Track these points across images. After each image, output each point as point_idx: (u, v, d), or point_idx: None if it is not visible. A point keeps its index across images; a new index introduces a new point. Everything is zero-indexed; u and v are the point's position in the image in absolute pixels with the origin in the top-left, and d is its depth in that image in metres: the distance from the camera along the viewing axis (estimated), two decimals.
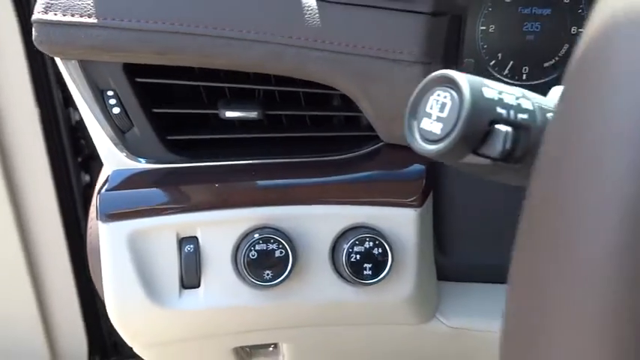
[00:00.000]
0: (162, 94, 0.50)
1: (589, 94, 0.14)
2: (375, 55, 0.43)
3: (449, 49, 0.64)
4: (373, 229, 0.46)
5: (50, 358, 0.95)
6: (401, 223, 0.47)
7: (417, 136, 0.24)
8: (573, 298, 0.15)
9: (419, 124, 0.23)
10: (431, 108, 0.23)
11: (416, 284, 0.48)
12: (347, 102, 0.48)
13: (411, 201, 0.48)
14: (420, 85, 0.24)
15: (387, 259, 0.45)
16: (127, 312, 0.45)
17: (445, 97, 0.22)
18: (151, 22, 0.41)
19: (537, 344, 0.16)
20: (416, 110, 0.24)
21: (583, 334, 0.14)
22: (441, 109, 0.22)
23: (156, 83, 0.48)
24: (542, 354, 0.16)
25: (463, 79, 0.22)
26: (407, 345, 0.55)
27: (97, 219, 0.45)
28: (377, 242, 0.45)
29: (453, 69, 0.62)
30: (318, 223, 0.47)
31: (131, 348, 0.51)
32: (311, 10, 0.43)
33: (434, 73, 0.23)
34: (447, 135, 0.22)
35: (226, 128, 0.52)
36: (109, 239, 0.44)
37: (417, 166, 0.49)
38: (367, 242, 0.45)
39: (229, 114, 0.48)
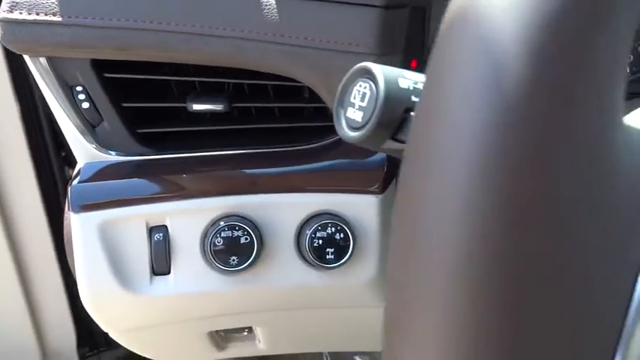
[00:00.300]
0: (132, 87, 0.51)
1: (432, 88, 0.16)
2: (333, 47, 0.45)
3: (412, 40, 0.65)
4: (336, 216, 0.48)
5: (39, 351, 0.97)
6: (363, 209, 0.49)
7: (344, 124, 0.25)
8: (419, 289, 0.16)
9: (345, 112, 0.25)
10: (354, 98, 0.25)
11: (378, 267, 0.50)
12: (314, 93, 0.50)
13: (372, 188, 0.49)
14: (346, 77, 0.26)
15: (349, 244, 0.47)
16: (99, 299, 0.47)
17: (365, 87, 0.24)
18: (114, 20, 0.43)
19: (399, 328, 0.17)
20: (343, 100, 0.26)
21: (428, 331, 0.16)
22: (362, 99, 0.24)
23: (125, 78, 0.49)
24: (399, 338, 0.17)
25: (379, 70, 0.23)
26: (374, 326, 0.57)
27: (69, 210, 0.47)
28: (339, 228, 0.47)
29: (417, 59, 0.64)
30: (284, 210, 0.49)
31: None
32: (269, 4, 0.45)
33: (356, 65, 0.25)
34: (367, 123, 0.24)
35: (197, 121, 0.54)
36: (80, 229, 0.46)
37: (379, 155, 0.50)
38: (329, 228, 0.47)
39: (196, 107, 0.50)
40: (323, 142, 0.52)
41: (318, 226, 0.47)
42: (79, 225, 0.46)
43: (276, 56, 0.45)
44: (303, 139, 0.53)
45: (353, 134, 0.25)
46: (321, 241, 0.47)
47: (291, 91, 0.54)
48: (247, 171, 0.50)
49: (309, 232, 0.47)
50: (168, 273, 0.48)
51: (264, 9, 0.45)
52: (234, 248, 0.46)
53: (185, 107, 0.50)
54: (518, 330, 0.14)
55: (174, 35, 0.44)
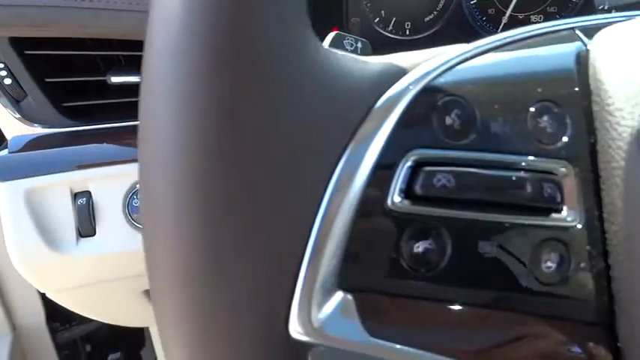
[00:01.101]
0: (58, 63, 0.54)
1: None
2: None
3: (333, 9, 0.68)
4: None
5: (8, 327, 1.01)
6: None
7: None
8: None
9: None
10: None
11: None
12: None
13: None
14: None
15: None
16: (28, 261, 0.51)
17: None
18: None
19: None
20: None
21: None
22: None
23: (48, 54, 0.52)
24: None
25: None
26: None
27: None
28: None
29: (340, 28, 0.67)
30: None
31: None
32: None
33: None
34: None
35: (123, 93, 0.57)
36: (6, 195, 0.49)
37: None
38: None
39: (115, 79, 0.53)
40: None
41: None
42: (6, 192, 0.49)
43: None
44: None
45: None
46: None
47: None
48: None
49: None
50: (94, 234, 0.51)
51: None
52: None
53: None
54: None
55: (83, 11, 0.47)
